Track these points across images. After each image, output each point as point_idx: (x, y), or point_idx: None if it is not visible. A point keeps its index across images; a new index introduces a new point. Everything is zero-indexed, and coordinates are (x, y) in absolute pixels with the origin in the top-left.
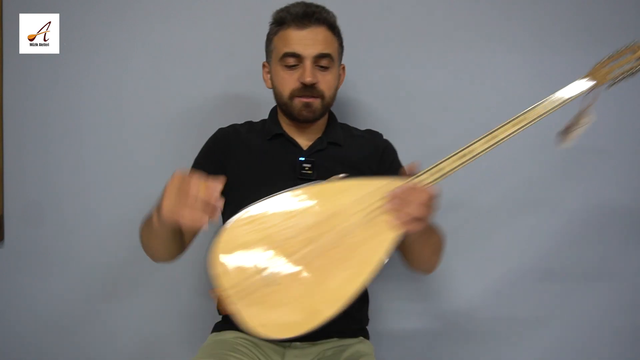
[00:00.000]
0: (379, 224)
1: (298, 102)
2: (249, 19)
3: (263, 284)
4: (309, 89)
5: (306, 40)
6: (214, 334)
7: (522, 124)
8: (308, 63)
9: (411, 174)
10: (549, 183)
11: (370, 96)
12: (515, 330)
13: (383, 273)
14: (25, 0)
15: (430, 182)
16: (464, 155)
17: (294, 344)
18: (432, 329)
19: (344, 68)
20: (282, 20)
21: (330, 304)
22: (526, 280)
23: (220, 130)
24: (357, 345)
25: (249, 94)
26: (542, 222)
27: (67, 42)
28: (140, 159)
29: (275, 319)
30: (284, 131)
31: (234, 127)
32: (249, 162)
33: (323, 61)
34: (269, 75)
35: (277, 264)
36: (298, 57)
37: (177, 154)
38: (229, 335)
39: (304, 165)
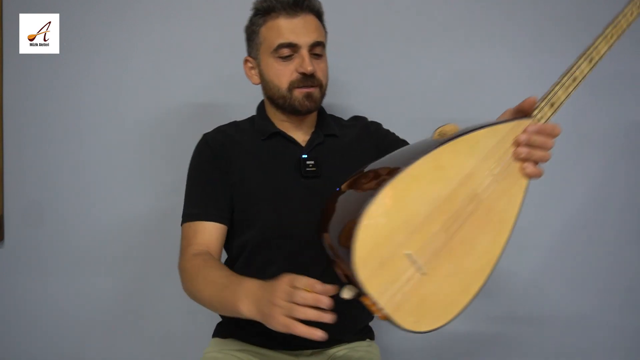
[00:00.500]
0: (509, 176)
1: (299, 93)
2: None
3: (410, 279)
4: (308, 78)
5: (300, 29)
6: (217, 339)
7: (614, 38)
8: (305, 52)
9: (530, 110)
10: (547, 182)
11: (370, 96)
12: (516, 329)
13: None
14: (25, 0)
15: (550, 116)
16: (575, 80)
17: (305, 351)
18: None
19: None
20: (269, 9)
21: (478, 276)
22: (527, 280)
23: (208, 135)
24: (366, 349)
25: (251, 93)
26: (541, 221)
27: (67, 42)
28: (140, 158)
29: (428, 312)
30: (279, 129)
31: (220, 130)
32: (249, 165)
33: (317, 49)
34: (254, 71)
35: (421, 252)
36: (293, 47)
37: (177, 153)
38: (232, 346)
39: (308, 162)
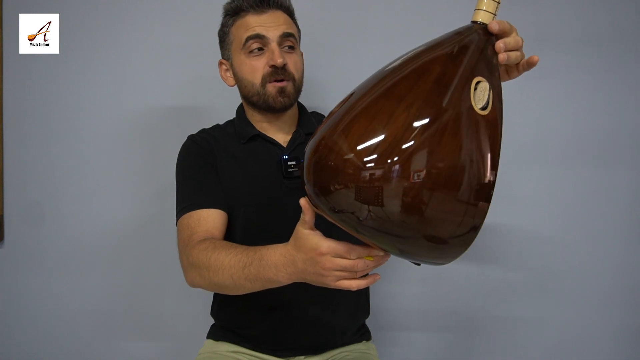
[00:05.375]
0: None
1: (272, 88)
2: None
3: None
4: (280, 71)
5: (268, 23)
6: (210, 341)
7: None
8: (274, 45)
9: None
10: (548, 181)
11: None
12: (516, 329)
13: (384, 272)
14: (25, 0)
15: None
16: None
17: (298, 357)
18: (431, 327)
19: (302, 55)
20: (238, 9)
21: None
22: (526, 279)
23: (194, 135)
24: (361, 349)
25: None
26: (540, 219)
27: (67, 42)
28: (141, 158)
29: None
30: (259, 132)
31: (205, 131)
32: (232, 167)
33: (288, 41)
34: (229, 73)
35: None
36: (262, 40)
37: (177, 154)
38: (225, 347)
39: (289, 163)
